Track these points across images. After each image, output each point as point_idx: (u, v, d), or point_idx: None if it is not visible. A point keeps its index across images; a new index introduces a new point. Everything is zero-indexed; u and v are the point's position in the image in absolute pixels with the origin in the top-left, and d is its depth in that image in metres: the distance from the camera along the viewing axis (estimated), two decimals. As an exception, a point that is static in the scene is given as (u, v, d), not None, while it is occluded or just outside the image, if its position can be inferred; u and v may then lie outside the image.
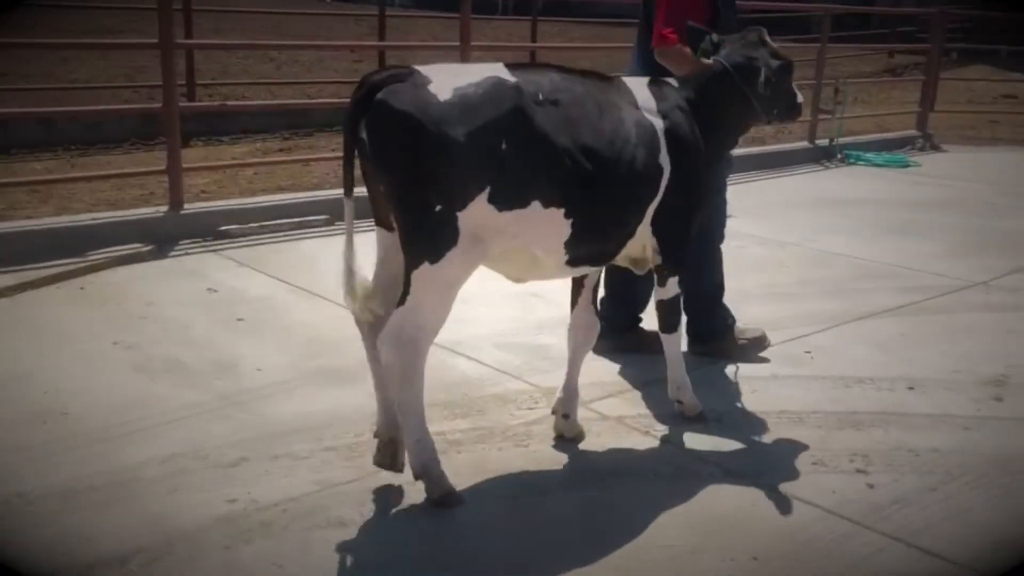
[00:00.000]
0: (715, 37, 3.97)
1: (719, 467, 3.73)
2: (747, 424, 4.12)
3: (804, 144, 10.54)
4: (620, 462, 3.76)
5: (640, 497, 3.50)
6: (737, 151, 9.87)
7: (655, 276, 3.92)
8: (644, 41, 4.49)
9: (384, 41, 11.85)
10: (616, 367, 4.67)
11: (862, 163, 10.42)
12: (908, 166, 10.50)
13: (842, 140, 10.68)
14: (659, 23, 4.22)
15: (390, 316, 3.23)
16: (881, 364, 4.82)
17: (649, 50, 4.32)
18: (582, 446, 3.88)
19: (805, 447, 3.92)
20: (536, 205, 3.21)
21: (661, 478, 3.64)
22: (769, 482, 3.61)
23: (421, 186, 3.03)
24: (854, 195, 9.01)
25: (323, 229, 6.95)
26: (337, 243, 6.82)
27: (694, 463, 3.76)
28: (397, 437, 3.44)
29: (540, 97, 3.22)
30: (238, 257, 6.24)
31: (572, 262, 3.48)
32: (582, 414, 4.08)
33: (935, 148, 11.57)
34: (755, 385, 4.52)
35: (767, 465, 3.75)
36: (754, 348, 4.83)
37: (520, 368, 4.60)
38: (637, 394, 4.37)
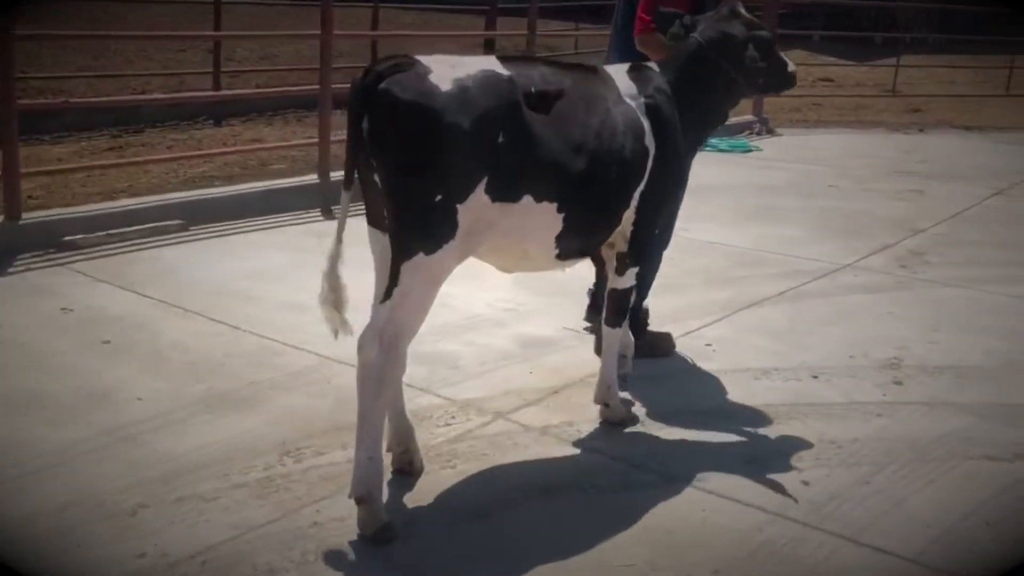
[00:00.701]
0: (687, 19, 3.96)
1: (658, 474, 3.62)
2: (673, 425, 4.03)
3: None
4: (556, 476, 3.59)
5: (587, 513, 3.35)
6: None
7: (615, 264, 3.88)
8: (623, 29, 4.50)
9: (220, 31, 11.15)
10: (527, 372, 4.50)
11: (707, 149, 10.61)
12: (751, 150, 10.79)
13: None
14: (640, 10, 4.23)
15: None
16: (781, 354, 4.85)
17: (627, 38, 4.33)
18: (511, 460, 3.69)
19: (735, 445, 3.87)
20: (528, 200, 3.22)
21: (603, 491, 3.49)
22: (710, 487, 3.53)
23: (423, 175, 2.99)
24: (708, 182, 9.11)
25: (179, 236, 6.43)
26: (198, 250, 6.31)
27: (632, 472, 3.64)
28: (412, 445, 3.51)
29: (532, 90, 3.22)
30: (89, 270, 5.68)
31: (562, 255, 3.53)
32: (501, 426, 3.90)
33: (771, 132, 11.95)
34: (669, 383, 4.45)
35: (703, 467, 3.66)
36: (666, 346, 4.77)
37: (427, 380, 4.34)
38: (556, 400, 4.21)
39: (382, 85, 2.97)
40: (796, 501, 3.45)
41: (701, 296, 5.71)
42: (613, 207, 3.60)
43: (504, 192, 3.14)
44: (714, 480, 3.57)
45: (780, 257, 6.61)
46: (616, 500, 3.43)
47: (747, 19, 3.98)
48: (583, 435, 3.90)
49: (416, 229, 3.03)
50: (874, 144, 11.66)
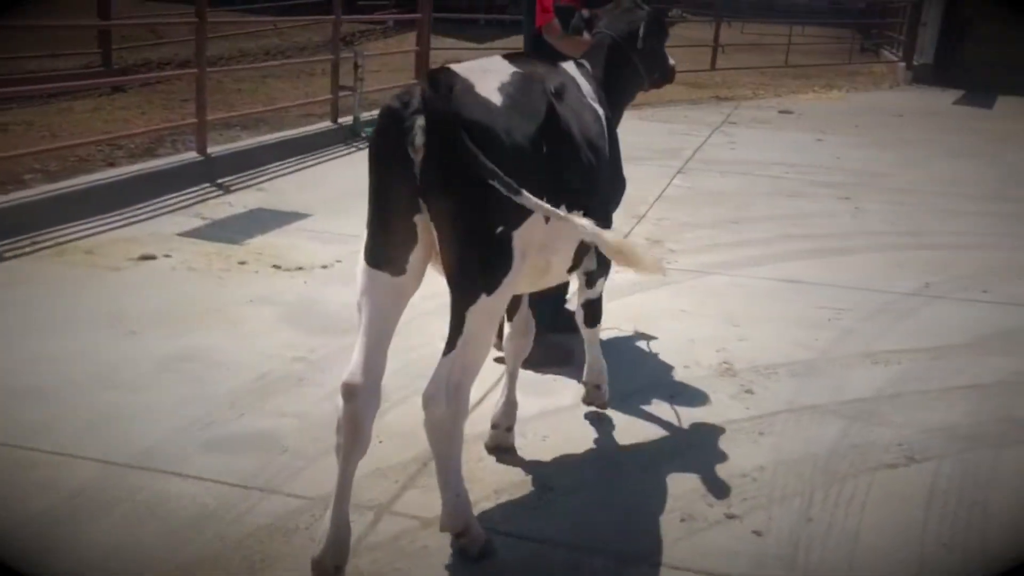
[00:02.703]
0: (585, 12, 3.88)
1: (610, 555, 3.05)
2: (587, 487, 3.48)
3: (328, 125, 9.83)
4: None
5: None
6: (265, 137, 9.12)
7: (583, 279, 3.76)
8: (531, 24, 4.33)
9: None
10: (374, 442, 3.69)
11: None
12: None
13: (363, 116, 10.17)
14: (541, 2, 4.13)
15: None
16: (630, 370, 4.46)
17: (535, 33, 4.19)
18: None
19: (652, 499, 3.41)
20: (563, 210, 2.79)
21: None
22: (666, 559, 3.03)
23: (487, 206, 2.61)
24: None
25: None
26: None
27: (580, 557, 3.04)
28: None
29: (553, 89, 2.96)
30: None
31: (573, 267, 3.32)
32: (395, 525, 3.14)
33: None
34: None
35: (641, 537, 3.16)
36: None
37: (262, 475, 3.41)
38: (430, 476, 3.48)
39: (441, 109, 2.55)
40: (765, 561, 3.07)
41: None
42: (611, 209, 3.52)
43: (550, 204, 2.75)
44: (668, 552, 3.08)
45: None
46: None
47: (648, 11, 3.94)
48: (492, 519, 3.22)
49: (476, 267, 2.71)
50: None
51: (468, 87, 2.68)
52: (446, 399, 2.76)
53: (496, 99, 2.71)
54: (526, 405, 3.87)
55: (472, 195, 2.59)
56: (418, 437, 3.66)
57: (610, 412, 4.07)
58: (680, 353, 4.74)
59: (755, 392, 4.35)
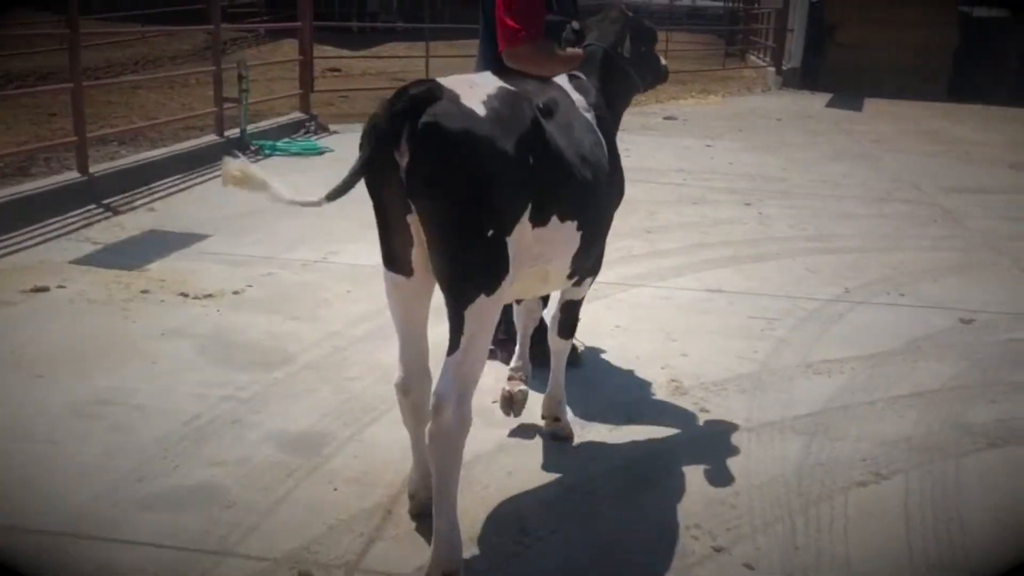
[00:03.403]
0: (575, 24, 3.87)
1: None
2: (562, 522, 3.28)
3: (214, 138, 9.35)
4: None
5: None
6: (150, 153, 8.58)
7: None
8: (492, 46, 4.03)
9: None
10: (328, 489, 3.41)
11: (279, 153, 9.63)
12: (322, 152, 9.96)
13: (250, 128, 9.73)
14: (509, 22, 3.84)
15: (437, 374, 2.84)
16: (586, 391, 4.30)
17: (496, 55, 3.93)
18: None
19: (640, 533, 3.24)
20: (555, 220, 3.00)
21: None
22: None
23: (479, 211, 2.68)
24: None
25: None
26: None
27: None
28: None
29: (540, 104, 3.02)
30: None
31: (572, 275, 3.39)
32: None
33: (324, 129, 11.20)
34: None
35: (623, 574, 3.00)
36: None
37: (209, 536, 3.09)
38: (396, 524, 3.22)
39: (426, 117, 2.61)
40: (764, 596, 2.94)
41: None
42: (609, 218, 3.54)
43: (539, 215, 2.91)
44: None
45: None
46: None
47: (636, 19, 3.96)
48: (472, 572, 2.99)
49: (475, 270, 2.73)
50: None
51: (454, 97, 2.72)
52: (457, 403, 2.72)
53: (481, 112, 2.73)
54: (482, 439, 3.66)
55: (460, 199, 2.66)
56: (374, 480, 3.45)
57: (575, 435, 3.90)
58: (628, 371, 4.62)
59: (710, 411, 4.25)
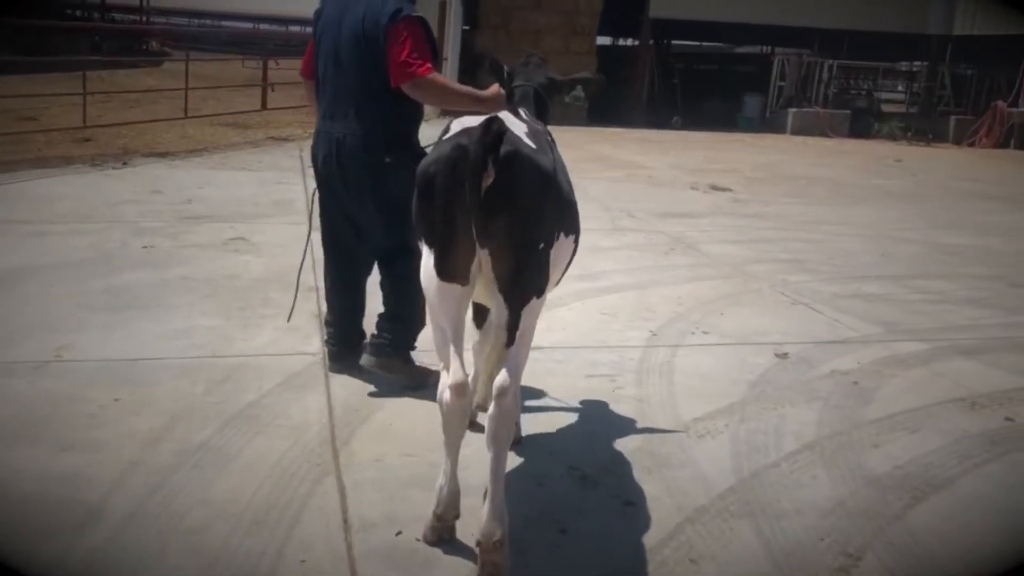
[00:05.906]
0: (507, 67, 4.31)
1: None
2: None
3: None
4: None
5: None
6: None
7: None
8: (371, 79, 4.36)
9: None
10: None
11: None
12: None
13: None
14: (414, 59, 4.24)
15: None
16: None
17: (379, 87, 4.32)
18: None
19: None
20: (561, 235, 3.41)
21: None
22: None
23: (542, 226, 3.18)
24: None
25: None
26: None
27: None
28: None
29: (550, 139, 3.70)
30: None
31: (557, 283, 3.68)
32: None
33: None
34: None
35: None
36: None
37: None
38: None
39: (509, 146, 3.07)
40: None
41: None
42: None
43: (560, 229, 3.37)
44: None
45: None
46: None
47: (548, 66, 4.46)
48: None
49: (533, 274, 3.19)
50: (65, 189, 9.78)
51: (514, 133, 3.19)
52: (515, 392, 3.10)
53: (530, 142, 3.27)
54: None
55: (531, 217, 3.15)
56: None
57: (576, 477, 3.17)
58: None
59: (635, 504, 3.71)
